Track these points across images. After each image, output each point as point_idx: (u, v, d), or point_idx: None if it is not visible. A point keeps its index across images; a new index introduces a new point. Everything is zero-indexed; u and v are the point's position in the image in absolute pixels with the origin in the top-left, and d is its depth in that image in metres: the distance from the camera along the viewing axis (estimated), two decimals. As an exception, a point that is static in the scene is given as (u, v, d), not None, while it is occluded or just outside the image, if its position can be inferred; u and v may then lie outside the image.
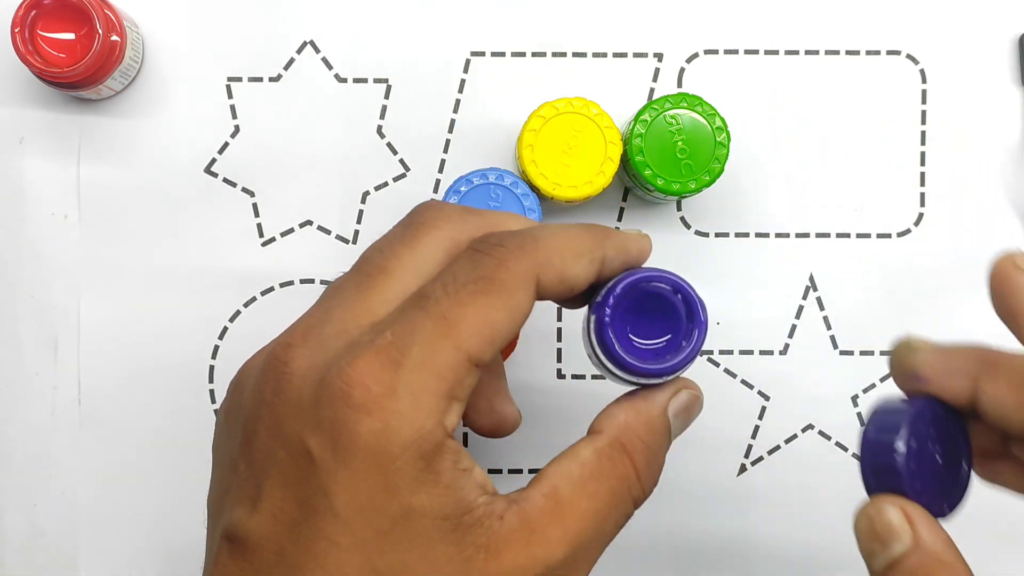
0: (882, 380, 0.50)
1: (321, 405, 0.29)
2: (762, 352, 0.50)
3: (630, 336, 0.35)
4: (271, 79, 0.49)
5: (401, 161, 0.49)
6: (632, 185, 0.47)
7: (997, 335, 0.50)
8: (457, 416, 0.31)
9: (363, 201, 0.49)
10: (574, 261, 0.33)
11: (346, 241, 0.49)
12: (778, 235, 0.50)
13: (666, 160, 0.45)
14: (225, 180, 0.49)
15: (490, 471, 0.50)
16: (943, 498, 0.32)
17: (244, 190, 0.49)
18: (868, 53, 0.50)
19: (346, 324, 0.31)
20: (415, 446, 0.29)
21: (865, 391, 0.50)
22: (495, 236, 0.32)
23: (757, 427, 0.50)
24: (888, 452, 0.32)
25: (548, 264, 0.32)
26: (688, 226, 0.50)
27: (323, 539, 0.29)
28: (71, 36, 0.45)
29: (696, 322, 0.34)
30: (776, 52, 0.49)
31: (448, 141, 0.49)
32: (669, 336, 0.35)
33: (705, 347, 0.50)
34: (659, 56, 0.49)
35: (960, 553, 0.31)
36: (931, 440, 0.32)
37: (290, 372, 0.30)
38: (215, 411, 0.49)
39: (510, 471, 0.50)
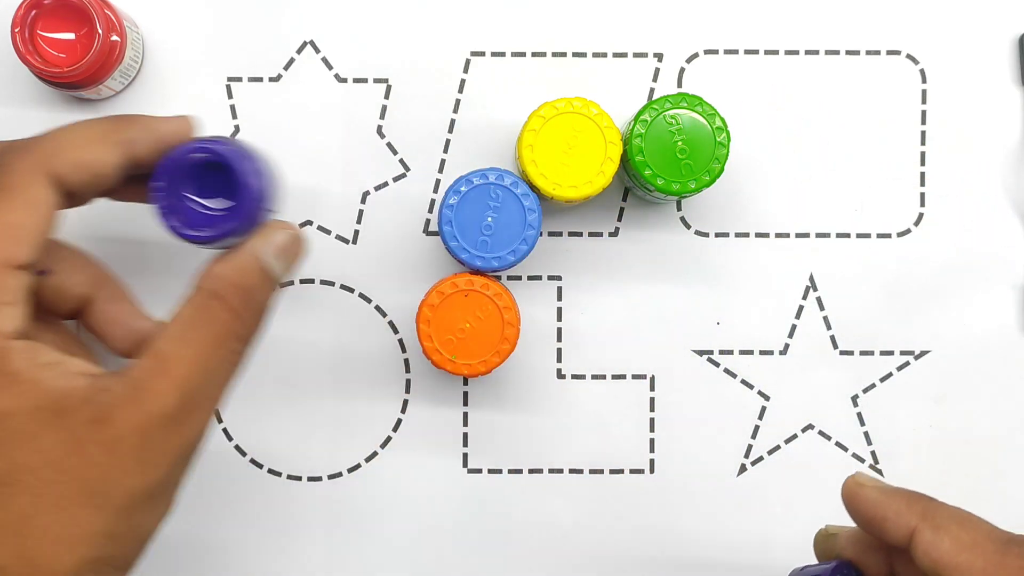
0: (882, 380, 0.50)
1: None
2: (762, 352, 0.50)
3: (197, 206, 0.38)
4: (271, 79, 0.49)
5: (401, 161, 0.49)
6: (632, 185, 0.47)
7: (998, 335, 0.50)
8: (16, 319, 0.34)
9: (363, 201, 0.49)
10: (90, 147, 0.36)
11: (346, 241, 0.49)
12: (778, 235, 0.50)
13: (666, 160, 0.44)
14: (225, 180, 0.49)
15: (490, 471, 0.50)
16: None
17: (244, 190, 0.49)
18: (868, 53, 0.50)
19: None
20: None
21: (865, 391, 0.50)
22: (1, 144, 0.36)
23: (757, 427, 0.50)
24: None
25: (58, 154, 0.35)
26: (688, 226, 0.50)
27: None
28: (71, 36, 0.45)
29: (239, 184, 0.38)
30: (776, 52, 0.49)
31: (448, 141, 0.49)
32: (233, 203, 0.38)
33: (705, 347, 0.50)
34: (659, 56, 0.49)
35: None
36: None
37: None
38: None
39: (510, 471, 0.50)
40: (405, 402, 0.50)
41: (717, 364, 0.50)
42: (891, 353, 0.50)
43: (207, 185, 0.38)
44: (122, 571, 0.35)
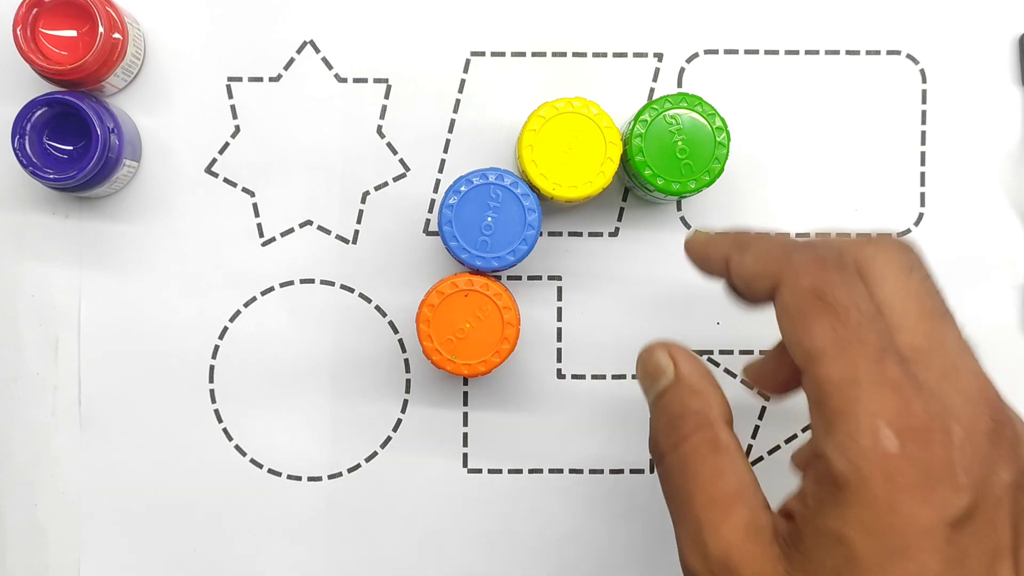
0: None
1: None
2: (762, 352, 0.50)
3: (55, 151, 0.46)
4: (271, 79, 0.49)
5: (401, 161, 0.49)
6: (632, 185, 0.48)
7: (998, 334, 0.50)
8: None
9: (363, 201, 0.49)
10: None
11: (346, 241, 0.49)
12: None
13: (666, 160, 0.45)
14: (225, 180, 0.49)
15: (490, 471, 0.50)
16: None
17: (244, 190, 0.49)
18: (868, 53, 0.50)
19: None
20: None
21: (865, 391, 0.50)
22: None
23: (757, 427, 0.50)
24: None
25: None
26: (688, 226, 0.50)
27: None
28: (73, 34, 0.45)
29: (88, 128, 0.44)
30: (776, 52, 0.50)
31: (448, 141, 0.49)
32: (82, 143, 0.45)
33: (705, 347, 0.50)
34: (659, 56, 0.49)
35: (714, 382, 0.37)
36: None
37: None
38: (215, 411, 0.50)
39: (510, 471, 0.50)
40: (405, 402, 0.50)
41: (717, 364, 0.50)
42: (891, 353, 0.50)
43: (67, 134, 0.46)
44: None
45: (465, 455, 0.50)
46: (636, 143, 0.44)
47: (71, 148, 0.46)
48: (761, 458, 0.50)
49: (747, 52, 0.49)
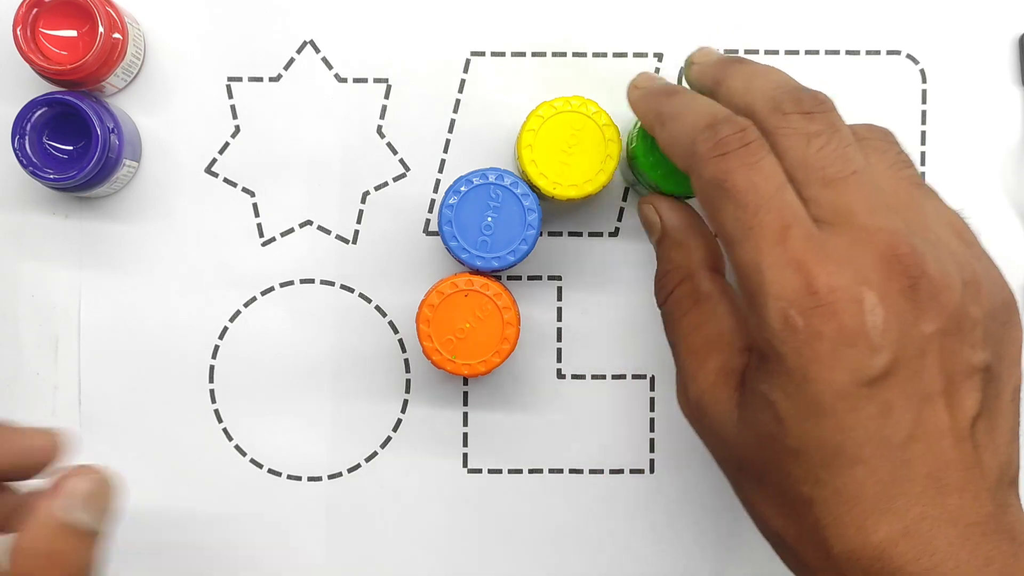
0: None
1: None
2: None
3: (55, 151, 0.46)
4: (271, 79, 0.49)
5: (401, 161, 0.49)
6: (636, 185, 0.47)
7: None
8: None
9: (363, 201, 0.49)
10: None
11: (346, 241, 0.49)
12: (778, 235, 0.50)
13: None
14: (225, 180, 0.49)
15: (490, 471, 0.50)
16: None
17: (244, 190, 0.49)
18: (868, 53, 0.50)
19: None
20: None
21: (865, 391, 0.50)
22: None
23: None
24: None
25: None
26: (688, 226, 0.50)
27: None
28: (73, 34, 0.45)
29: (88, 127, 0.44)
30: (776, 52, 0.50)
31: (448, 141, 0.49)
32: (82, 143, 0.46)
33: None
34: (659, 56, 0.49)
35: (699, 230, 0.40)
36: None
37: None
38: (215, 411, 0.49)
39: (510, 471, 0.50)
40: (405, 402, 0.50)
41: (717, 364, 0.50)
42: (891, 353, 0.50)
43: (67, 134, 0.46)
44: None
45: (465, 455, 0.50)
46: (644, 143, 0.44)
47: (71, 148, 0.46)
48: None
49: (747, 52, 0.49)
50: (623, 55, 0.49)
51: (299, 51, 0.49)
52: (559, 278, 0.50)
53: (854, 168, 0.35)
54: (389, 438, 0.50)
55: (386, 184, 0.49)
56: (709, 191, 0.35)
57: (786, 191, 0.34)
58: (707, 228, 0.41)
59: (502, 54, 0.49)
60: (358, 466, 0.50)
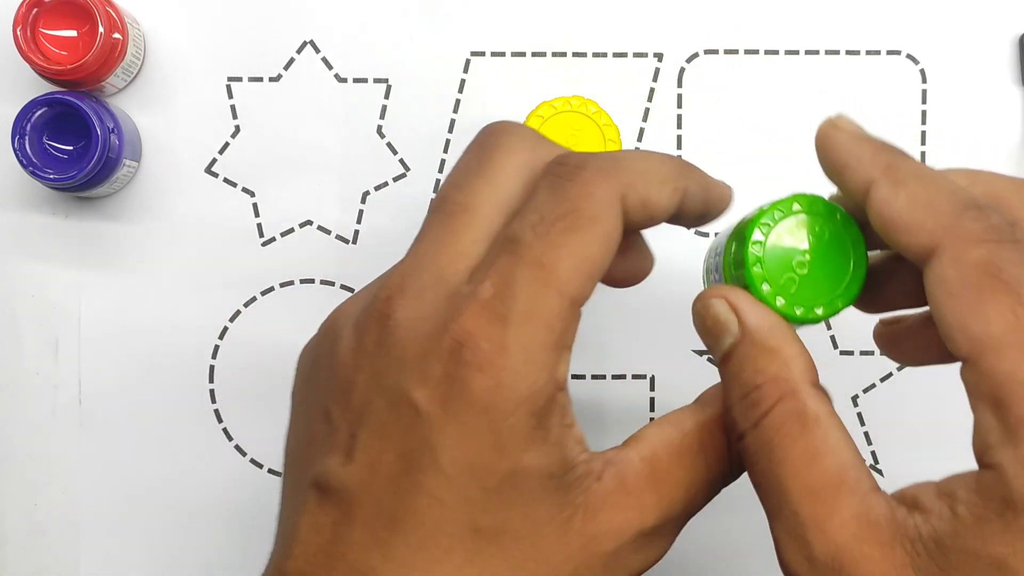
0: (882, 380, 0.50)
1: (429, 360, 0.28)
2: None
3: (55, 151, 0.46)
4: (271, 79, 0.49)
5: (401, 161, 0.49)
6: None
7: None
8: (567, 365, 0.29)
9: (363, 201, 0.49)
10: (658, 187, 0.31)
11: (346, 241, 0.49)
12: (778, 235, 0.50)
13: (785, 273, 0.33)
14: (225, 180, 0.49)
15: (490, 471, 0.50)
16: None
17: (244, 190, 0.49)
18: (868, 53, 0.50)
19: (441, 271, 0.30)
20: (528, 403, 0.28)
21: (865, 391, 0.50)
22: (574, 157, 0.30)
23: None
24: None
25: (635, 189, 0.30)
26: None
27: (425, 494, 0.28)
28: (73, 34, 0.45)
29: (87, 128, 0.45)
30: (776, 52, 0.50)
31: (448, 141, 0.49)
32: (82, 143, 0.46)
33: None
34: (659, 56, 0.49)
35: (790, 333, 0.31)
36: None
37: (393, 324, 0.29)
38: (215, 411, 0.49)
39: (510, 471, 0.50)
40: (405, 402, 0.50)
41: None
42: (892, 353, 0.50)
43: (67, 134, 0.46)
44: None
45: (465, 455, 0.50)
46: (760, 247, 0.32)
47: (71, 148, 0.46)
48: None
49: (747, 52, 0.49)
50: (623, 55, 0.49)
51: (299, 51, 0.49)
52: (559, 278, 0.50)
53: None
54: (389, 438, 0.50)
55: (386, 184, 0.49)
56: (974, 277, 0.27)
57: None
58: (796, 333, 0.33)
59: (502, 54, 0.49)
60: (358, 466, 0.50)
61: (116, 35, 0.45)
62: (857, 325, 0.50)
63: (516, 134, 0.32)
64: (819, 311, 0.32)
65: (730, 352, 0.31)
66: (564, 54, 0.49)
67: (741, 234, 0.32)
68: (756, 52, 0.49)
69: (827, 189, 0.49)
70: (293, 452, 0.33)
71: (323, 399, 0.31)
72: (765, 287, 0.32)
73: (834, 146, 0.30)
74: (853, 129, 0.31)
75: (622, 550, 0.30)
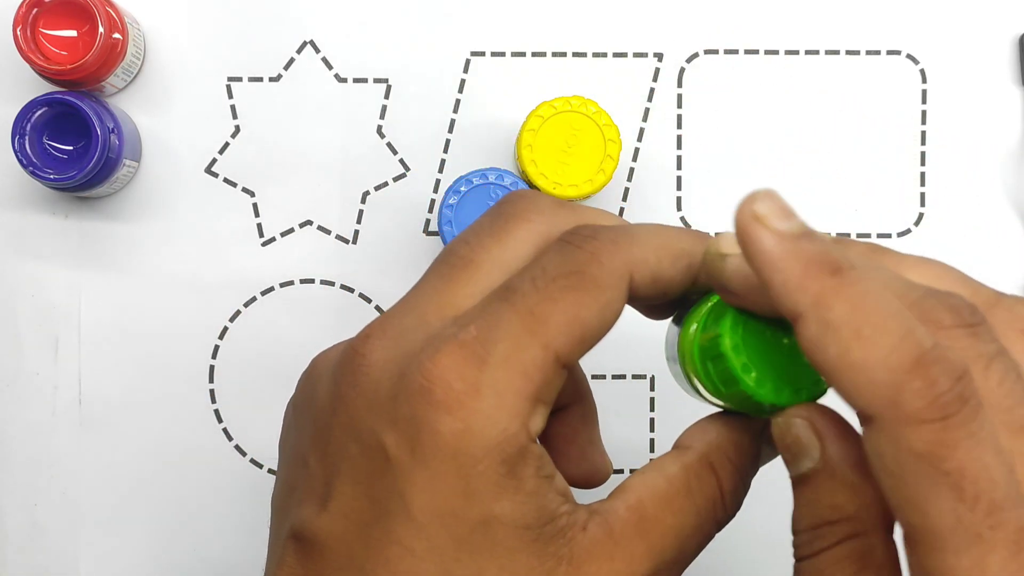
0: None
1: (399, 401, 0.27)
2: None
3: (54, 151, 0.46)
4: (271, 79, 0.49)
5: (401, 161, 0.49)
6: (689, 386, 0.35)
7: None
8: (542, 420, 0.29)
9: (363, 201, 0.49)
10: (671, 263, 0.30)
11: (346, 241, 0.49)
12: (778, 235, 0.50)
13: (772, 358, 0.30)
14: (225, 180, 0.49)
15: (490, 471, 0.50)
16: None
17: (244, 190, 0.49)
18: (868, 53, 0.50)
19: (427, 316, 0.29)
20: (498, 449, 0.27)
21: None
22: (588, 228, 0.30)
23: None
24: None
25: (644, 263, 0.30)
26: (688, 226, 0.50)
27: (395, 544, 0.27)
28: (73, 34, 0.45)
29: (87, 127, 0.44)
30: (776, 52, 0.50)
31: (448, 141, 0.49)
32: (82, 143, 0.45)
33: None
34: (659, 56, 0.49)
35: (867, 470, 0.27)
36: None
37: (368, 365, 0.28)
38: (215, 411, 0.50)
39: (510, 471, 0.50)
40: (405, 402, 0.50)
41: (717, 364, 0.50)
42: (891, 353, 0.50)
43: (67, 134, 0.46)
44: None
45: (465, 455, 0.50)
46: (735, 333, 0.28)
47: (71, 148, 0.46)
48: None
49: (747, 52, 0.50)
50: (623, 55, 0.49)
51: (299, 51, 0.49)
52: (559, 278, 0.50)
53: None
54: (389, 438, 0.50)
55: (386, 184, 0.49)
56: (912, 466, 0.24)
57: (1015, 470, 0.25)
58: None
59: (502, 54, 0.49)
60: (358, 466, 0.50)
61: (116, 35, 0.45)
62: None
63: (536, 201, 0.31)
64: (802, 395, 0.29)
65: (807, 477, 0.28)
66: (564, 54, 0.49)
67: (713, 351, 0.29)
68: (756, 52, 0.50)
69: (829, 190, 0.49)
70: (276, 501, 0.32)
71: (302, 446, 0.30)
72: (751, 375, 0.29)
73: (758, 255, 0.25)
74: (780, 228, 0.25)
75: None
